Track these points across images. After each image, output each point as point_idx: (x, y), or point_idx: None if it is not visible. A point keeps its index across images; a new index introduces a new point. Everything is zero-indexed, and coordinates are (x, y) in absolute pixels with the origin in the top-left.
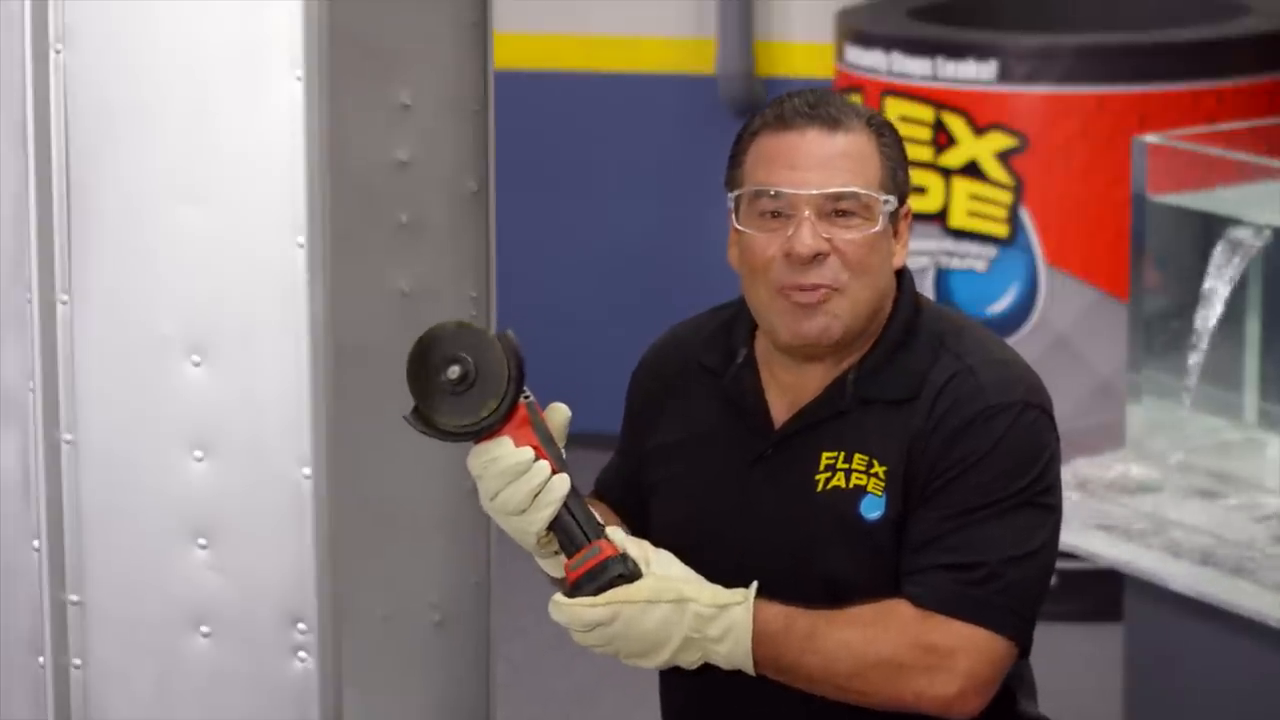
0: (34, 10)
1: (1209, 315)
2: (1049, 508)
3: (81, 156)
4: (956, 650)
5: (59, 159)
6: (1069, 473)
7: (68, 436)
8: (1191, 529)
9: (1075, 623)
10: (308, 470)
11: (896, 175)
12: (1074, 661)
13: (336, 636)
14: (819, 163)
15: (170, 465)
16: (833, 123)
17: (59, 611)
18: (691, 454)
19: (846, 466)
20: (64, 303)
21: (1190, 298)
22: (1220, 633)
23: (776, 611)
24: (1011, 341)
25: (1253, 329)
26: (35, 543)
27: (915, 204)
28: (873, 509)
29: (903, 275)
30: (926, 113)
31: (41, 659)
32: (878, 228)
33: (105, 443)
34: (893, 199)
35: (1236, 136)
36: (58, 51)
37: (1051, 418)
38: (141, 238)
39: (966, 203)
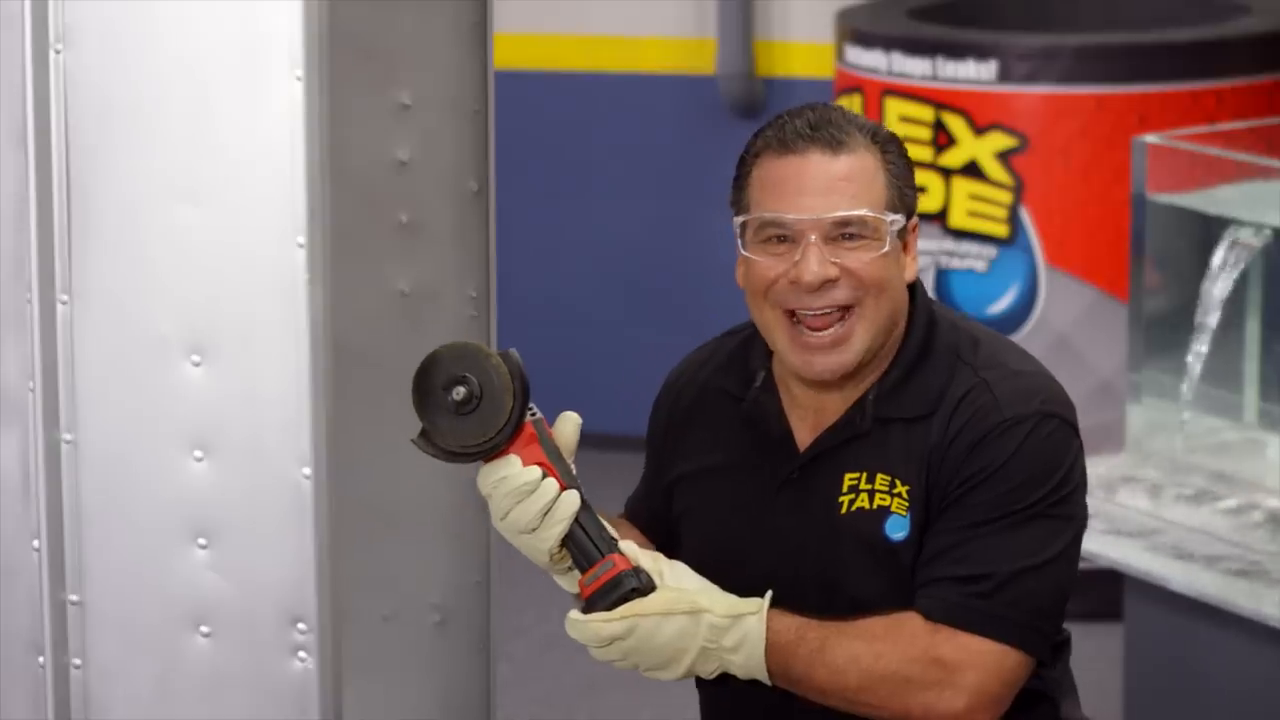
0: (34, 10)
1: (1209, 315)
2: (1067, 518)
3: (81, 157)
4: (963, 665)
5: (59, 159)
6: None
7: (67, 436)
8: (1191, 529)
9: (1075, 622)
10: (308, 470)
11: (903, 192)
12: (1074, 661)
13: (337, 636)
14: (823, 187)
15: (170, 465)
16: (835, 144)
17: (59, 611)
18: (717, 482)
19: (869, 487)
20: (64, 303)
21: (1190, 298)
22: (1220, 633)
23: (789, 623)
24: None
25: (1252, 329)
26: (35, 542)
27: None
28: (897, 529)
29: (914, 289)
30: (926, 113)
31: (41, 659)
32: (886, 248)
33: (105, 443)
34: (899, 217)
35: (1236, 136)
36: (58, 51)
37: (1072, 425)
38: (141, 238)
39: (966, 202)
